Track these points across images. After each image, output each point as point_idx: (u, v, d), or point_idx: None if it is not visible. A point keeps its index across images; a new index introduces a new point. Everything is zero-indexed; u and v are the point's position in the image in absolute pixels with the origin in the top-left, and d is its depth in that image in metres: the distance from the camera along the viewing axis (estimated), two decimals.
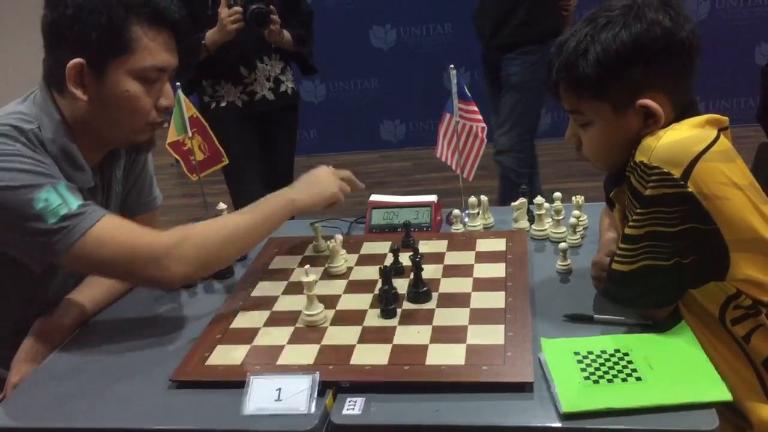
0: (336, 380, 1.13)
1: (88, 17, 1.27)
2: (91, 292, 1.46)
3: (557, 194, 1.61)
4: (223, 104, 2.75)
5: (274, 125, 2.87)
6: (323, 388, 1.11)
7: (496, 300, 1.33)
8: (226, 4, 2.53)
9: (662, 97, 1.19)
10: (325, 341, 1.25)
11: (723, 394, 1.03)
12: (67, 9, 1.28)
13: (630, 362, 1.11)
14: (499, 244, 1.55)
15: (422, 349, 1.19)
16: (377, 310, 1.32)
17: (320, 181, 1.54)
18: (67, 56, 1.29)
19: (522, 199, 1.64)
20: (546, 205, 1.61)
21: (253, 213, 1.41)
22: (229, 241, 1.35)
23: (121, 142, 1.43)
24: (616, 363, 1.11)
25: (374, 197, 1.77)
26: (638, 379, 1.07)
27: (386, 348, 1.21)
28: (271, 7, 2.56)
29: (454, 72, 1.64)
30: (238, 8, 2.53)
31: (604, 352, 1.14)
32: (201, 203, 1.84)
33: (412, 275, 1.36)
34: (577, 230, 1.55)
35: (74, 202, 1.25)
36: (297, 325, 1.31)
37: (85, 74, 1.30)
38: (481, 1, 3.19)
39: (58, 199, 1.24)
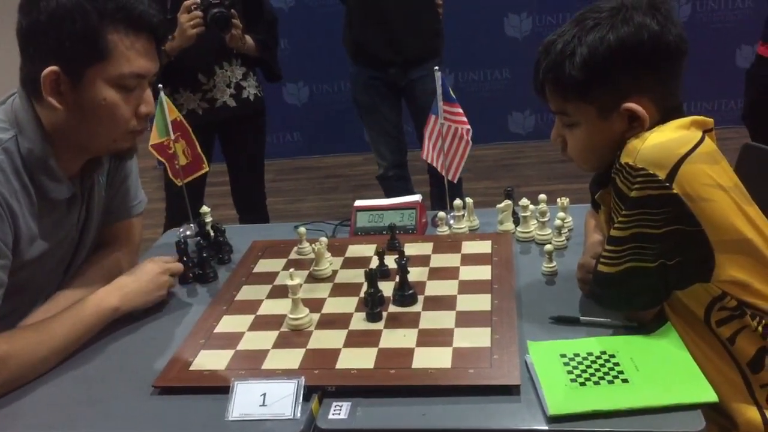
0: (322, 384, 1.12)
1: (62, 24, 1.23)
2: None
3: (542, 196, 1.61)
4: (183, 113, 2.69)
5: (238, 133, 2.81)
6: (309, 392, 1.10)
7: (482, 302, 1.32)
8: (186, 9, 2.46)
9: (648, 100, 1.19)
10: (311, 345, 1.24)
11: (709, 396, 1.04)
12: (40, 15, 1.23)
13: (616, 364, 1.11)
14: (484, 247, 1.55)
15: (408, 353, 1.19)
16: (363, 314, 1.31)
17: (148, 282, 1.41)
18: (42, 64, 1.24)
19: (507, 201, 1.64)
20: (531, 207, 1.61)
21: (77, 324, 1.29)
22: (45, 360, 1.24)
23: (102, 150, 1.39)
24: (602, 365, 1.11)
25: (359, 202, 1.76)
26: (624, 380, 1.07)
27: (372, 351, 1.20)
28: (233, 11, 2.50)
29: (438, 74, 1.64)
30: (198, 12, 2.46)
31: (590, 354, 1.14)
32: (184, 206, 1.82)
33: (397, 278, 1.36)
34: (562, 232, 1.55)
35: None
36: (282, 329, 1.30)
37: (61, 82, 1.25)
38: (364, 19, 2.95)
39: None
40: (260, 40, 2.71)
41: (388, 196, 3.17)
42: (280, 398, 1.09)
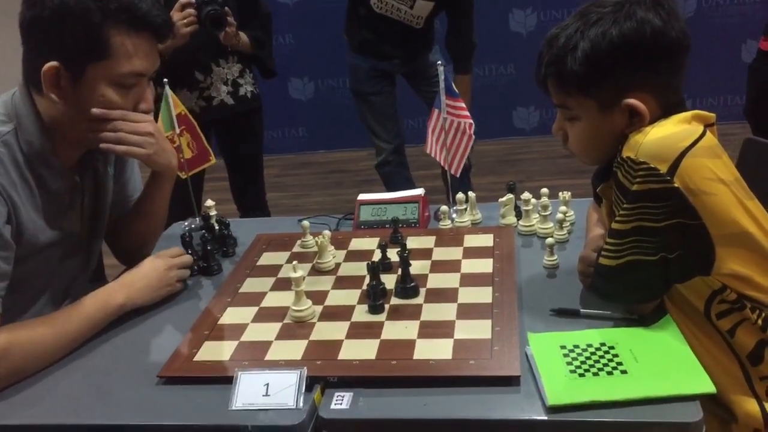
0: (324, 375, 1.13)
1: (65, 21, 1.23)
2: None
3: (544, 190, 1.62)
4: None
5: (235, 130, 2.79)
6: (311, 383, 1.11)
7: (483, 295, 1.33)
8: (179, 8, 2.41)
9: (649, 96, 1.19)
10: (313, 337, 1.25)
11: (707, 387, 1.04)
12: (44, 11, 1.23)
13: (615, 356, 1.12)
14: (486, 240, 1.56)
15: (410, 344, 1.20)
16: (365, 306, 1.32)
17: (156, 279, 1.41)
18: (43, 58, 1.25)
19: (509, 195, 1.65)
20: (533, 201, 1.62)
21: (84, 319, 1.29)
22: (50, 353, 1.24)
23: (98, 144, 1.37)
24: (601, 356, 1.12)
25: (362, 196, 1.77)
26: (623, 372, 1.08)
27: (374, 343, 1.21)
28: (227, 8, 2.46)
29: (441, 68, 1.64)
30: (191, 11, 2.41)
31: (590, 345, 1.15)
32: (189, 200, 1.83)
33: (399, 271, 1.37)
34: (563, 226, 1.56)
35: None
36: (285, 321, 1.31)
37: (61, 77, 1.26)
38: (375, 25, 2.99)
39: None
40: (255, 37, 2.69)
41: (387, 183, 3.21)
42: (283, 388, 1.10)
